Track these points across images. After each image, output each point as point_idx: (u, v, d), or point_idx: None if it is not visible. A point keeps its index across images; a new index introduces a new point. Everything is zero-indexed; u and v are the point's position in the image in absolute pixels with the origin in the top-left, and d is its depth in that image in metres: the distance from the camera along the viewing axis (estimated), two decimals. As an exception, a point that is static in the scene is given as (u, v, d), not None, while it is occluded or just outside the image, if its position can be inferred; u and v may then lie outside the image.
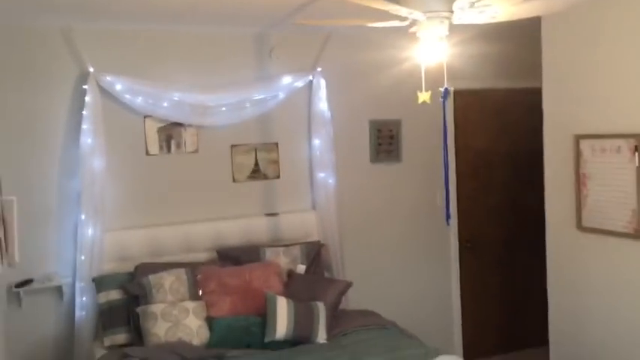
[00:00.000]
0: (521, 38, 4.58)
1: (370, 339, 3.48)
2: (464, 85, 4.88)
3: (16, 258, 3.16)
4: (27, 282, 3.77)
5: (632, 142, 3.38)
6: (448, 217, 3.12)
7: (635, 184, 3.38)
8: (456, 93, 4.88)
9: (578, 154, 3.73)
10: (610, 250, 3.57)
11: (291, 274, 4.00)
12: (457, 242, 5.04)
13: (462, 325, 5.04)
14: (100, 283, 3.75)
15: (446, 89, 2.76)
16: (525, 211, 5.13)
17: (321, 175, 4.49)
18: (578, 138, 3.73)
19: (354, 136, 4.71)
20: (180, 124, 4.18)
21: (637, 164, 3.36)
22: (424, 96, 2.63)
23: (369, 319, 3.82)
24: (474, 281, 5.11)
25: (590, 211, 3.69)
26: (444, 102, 2.82)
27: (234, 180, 4.37)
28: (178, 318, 3.51)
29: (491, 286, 5.17)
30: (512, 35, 4.66)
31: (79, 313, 3.81)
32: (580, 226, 3.75)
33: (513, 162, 5.21)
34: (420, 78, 2.81)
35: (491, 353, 4.89)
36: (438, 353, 3.17)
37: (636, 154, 3.36)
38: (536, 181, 4.21)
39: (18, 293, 3.75)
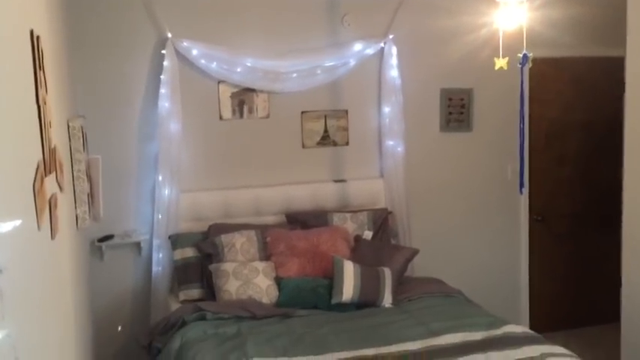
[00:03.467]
0: (604, 3, 4.37)
1: (436, 305, 3.50)
2: (542, 53, 4.71)
3: (101, 213, 3.36)
4: (108, 237, 4.00)
5: None
6: (522, 186, 3.05)
7: None
8: (534, 60, 4.74)
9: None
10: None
11: (357, 239, 4.06)
12: (527, 215, 4.95)
13: (530, 298, 4.98)
14: (176, 241, 3.93)
15: (525, 55, 2.69)
16: (599, 184, 4.96)
17: (390, 142, 4.49)
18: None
19: (424, 105, 4.66)
20: (252, 90, 4.27)
21: None
22: (501, 62, 2.58)
23: (434, 286, 3.84)
24: (544, 255, 5.01)
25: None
26: (522, 68, 2.74)
27: (303, 146, 4.44)
28: (249, 277, 3.64)
29: (560, 260, 5.06)
30: (595, 0, 4.45)
31: (156, 269, 4.01)
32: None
33: (588, 133, 5.03)
34: (495, 45, 2.75)
35: (559, 328, 4.80)
36: (504, 323, 3.16)
37: None
38: (611, 153, 4.05)
39: (100, 247, 3.98)
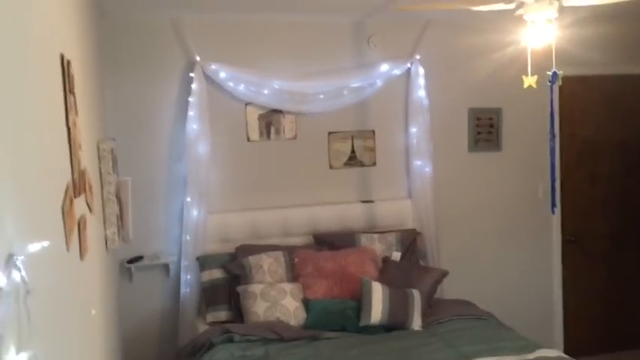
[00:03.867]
0: (635, 21, 4.30)
1: (466, 328, 3.42)
2: (571, 71, 4.67)
3: (130, 234, 3.39)
4: (137, 259, 4.03)
5: None
6: (554, 205, 2.98)
7: None
8: (564, 79, 4.70)
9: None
10: None
11: (386, 260, 4.01)
12: (560, 236, 4.84)
13: (564, 321, 4.84)
14: (204, 262, 3.94)
15: (554, 72, 2.65)
16: (634, 204, 4.84)
17: (418, 163, 4.45)
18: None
19: (452, 125, 4.62)
20: (279, 111, 4.29)
21: None
22: (530, 80, 2.54)
23: (465, 308, 3.76)
24: (578, 277, 4.88)
25: None
26: (551, 86, 2.70)
27: (330, 167, 4.44)
28: (276, 298, 3.62)
29: (595, 282, 4.92)
30: (625, 18, 4.39)
31: (184, 290, 4.02)
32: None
33: (622, 152, 4.92)
34: (524, 63, 2.72)
35: (595, 351, 4.66)
36: (537, 347, 3.07)
37: None
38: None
39: (130, 269, 4.01)
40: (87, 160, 2.32)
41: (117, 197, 3.17)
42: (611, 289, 4.94)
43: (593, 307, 4.90)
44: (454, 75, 4.57)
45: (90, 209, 2.27)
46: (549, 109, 3.06)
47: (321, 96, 4.27)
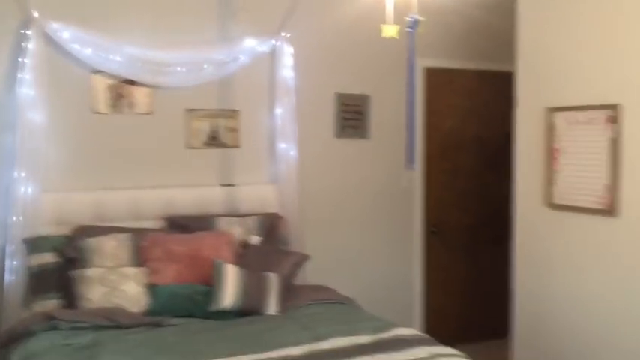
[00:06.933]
0: (494, 14, 4.43)
1: (323, 312, 3.24)
2: (438, 63, 4.76)
3: None
4: (-48, 242, 3.43)
5: (607, 113, 3.22)
6: (411, 162, 2.84)
7: (608, 156, 3.21)
8: (428, 71, 4.75)
9: (550, 128, 3.56)
10: (581, 227, 3.40)
11: (244, 245, 3.73)
12: (422, 226, 4.84)
13: (425, 311, 4.83)
14: (32, 245, 3.43)
15: (414, 19, 2.51)
16: (494, 197, 4.96)
17: (283, 146, 4.24)
18: (551, 111, 3.56)
19: (318, 109, 4.47)
20: (133, 83, 3.90)
21: (611, 136, 3.20)
22: (390, 30, 2.40)
23: (323, 293, 3.58)
24: (439, 267, 4.91)
25: (561, 187, 3.51)
26: (412, 34, 2.57)
27: (189, 146, 4.10)
28: (116, 283, 3.22)
29: (456, 273, 4.98)
30: (485, 11, 4.51)
31: (9, 278, 3.47)
32: (550, 204, 3.58)
33: (483, 146, 5.04)
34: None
35: (453, 342, 4.65)
36: (394, 326, 2.94)
37: (610, 125, 3.20)
38: (506, 167, 4.05)
39: (-59, 253, 3.40)
40: None
41: None
42: (470, 281, 5.02)
43: (451, 298, 4.94)
44: (323, 57, 4.43)
45: None
46: (409, 65, 2.88)
47: (180, 68, 3.93)
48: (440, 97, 4.87)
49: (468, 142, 5.02)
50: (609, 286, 3.22)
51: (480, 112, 5.01)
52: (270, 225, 3.95)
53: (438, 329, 4.77)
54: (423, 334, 2.94)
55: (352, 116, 4.60)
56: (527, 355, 3.73)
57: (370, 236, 4.65)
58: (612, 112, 3.19)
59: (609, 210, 3.21)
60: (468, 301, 4.99)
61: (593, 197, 3.31)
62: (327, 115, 4.51)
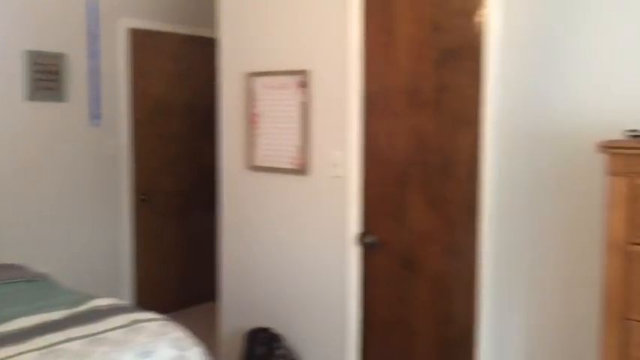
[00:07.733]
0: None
1: (12, 292, 2.89)
2: (143, 25, 4.58)
3: None
4: None
5: (298, 78, 3.45)
6: (96, 116, 2.66)
7: (299, 120, 3.47)
8: (134, 32, 4.54)
9: (250, 93, 3.70)
10: (278, 187, 3.62)
11: None
12: (131, 194, 4.66)
13: (135, 281, 4.70)
14: None
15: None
16: (205, 163, 5.02)
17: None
18: (250, 76, 3.69)
19: (4, 68, 3.94)
20: None
21: (301, 100, 3.45)
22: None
23: (12, 272, 3.19)
24: (150, 235, 4.81)
25: (261, 150, 3.68)
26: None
27: None
28: None
29: (167, 240, 4.94)
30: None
31: None
32: (252, 166, 3.73)
33: (193, 111, 5.05)
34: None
35: (163, 311, 4.64)
36: (91, 298, 2.76)
37: (301, 90, 3.44)
38: (213, 136, 4.11)
39: None
40: None
41: None
42: (183, 247, 5.03)
43: (163, 267, 4.91)
44: (8, 9, 3.89)
45: None
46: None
47: None
48: (147, 61, 4.71)
49: (179, 107, 4.97)
50: (301, 240, 3.51)
51: (189, 77, 4.99)
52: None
53: (150, 298, 4.72)
54: (122, 302, 2.82)
55: (46, 77, 4.15)
56: (233, 316, 3.87)
57: (71, 207, 4.32)
58: (303, 77, 3.44)
59: (301, 170, 3.48)
60: (179, 268, 5.01)
61: (287, 158, 3.54)
62: (15, 76, 4.00)
